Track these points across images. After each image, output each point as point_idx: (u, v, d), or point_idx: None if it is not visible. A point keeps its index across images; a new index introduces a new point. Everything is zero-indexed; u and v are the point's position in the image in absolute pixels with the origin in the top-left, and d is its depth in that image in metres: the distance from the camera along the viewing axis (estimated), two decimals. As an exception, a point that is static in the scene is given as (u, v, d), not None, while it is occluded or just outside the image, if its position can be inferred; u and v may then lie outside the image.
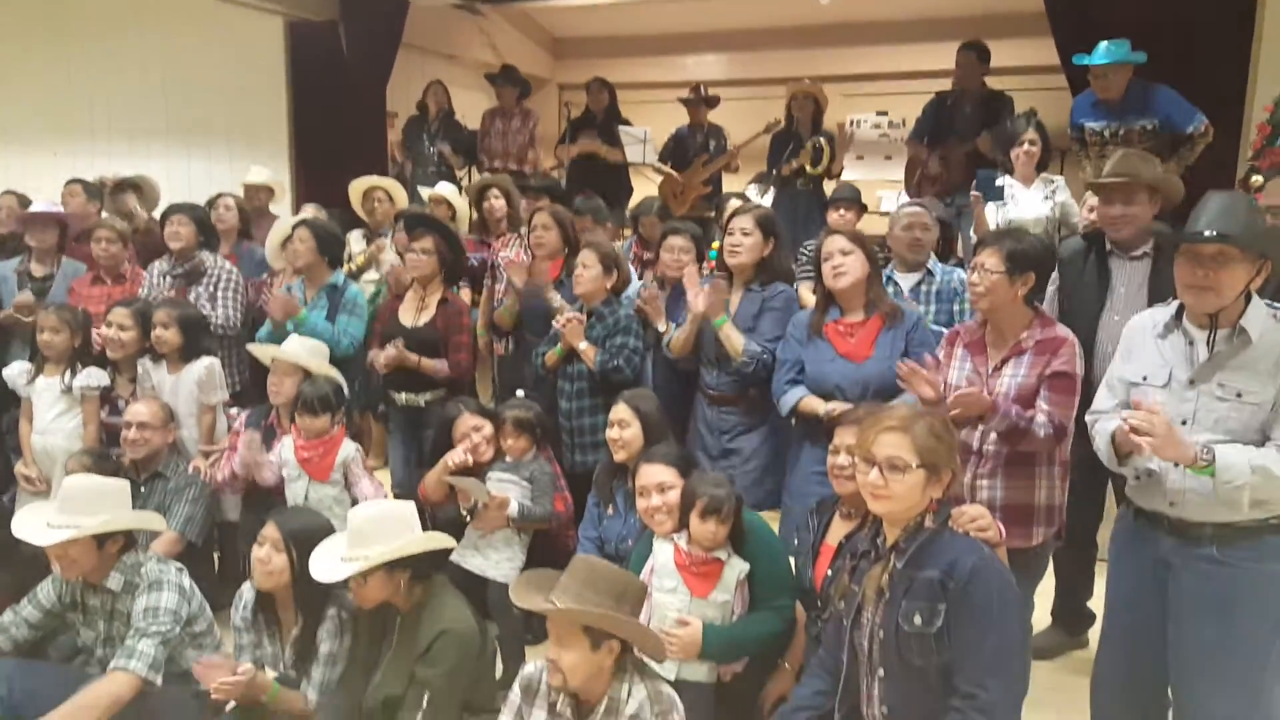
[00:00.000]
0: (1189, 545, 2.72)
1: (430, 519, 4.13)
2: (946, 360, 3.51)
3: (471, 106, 9.10)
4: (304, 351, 4.43)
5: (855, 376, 3.79)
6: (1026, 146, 5.66)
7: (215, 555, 4.67)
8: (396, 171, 8.30)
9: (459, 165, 8.28)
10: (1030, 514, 3.33)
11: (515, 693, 2.86)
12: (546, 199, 5.90)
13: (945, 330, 3.90)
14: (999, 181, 5.65)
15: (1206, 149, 5.37)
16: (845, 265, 3.80)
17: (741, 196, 6.46)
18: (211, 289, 5.16)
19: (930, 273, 4.58)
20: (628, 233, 7.14)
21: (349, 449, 4.21)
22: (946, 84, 7.31)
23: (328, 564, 3.17)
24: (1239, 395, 2.61)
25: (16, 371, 4.51)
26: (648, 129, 8.02)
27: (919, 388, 3.24)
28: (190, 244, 5.19)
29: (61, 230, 5.43)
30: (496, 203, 6.05)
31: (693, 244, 4.71)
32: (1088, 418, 3.03)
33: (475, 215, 6.17)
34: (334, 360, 4.66)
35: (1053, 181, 5.72)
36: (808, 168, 7.36)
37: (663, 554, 3.29)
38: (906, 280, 4.60)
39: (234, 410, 4.68)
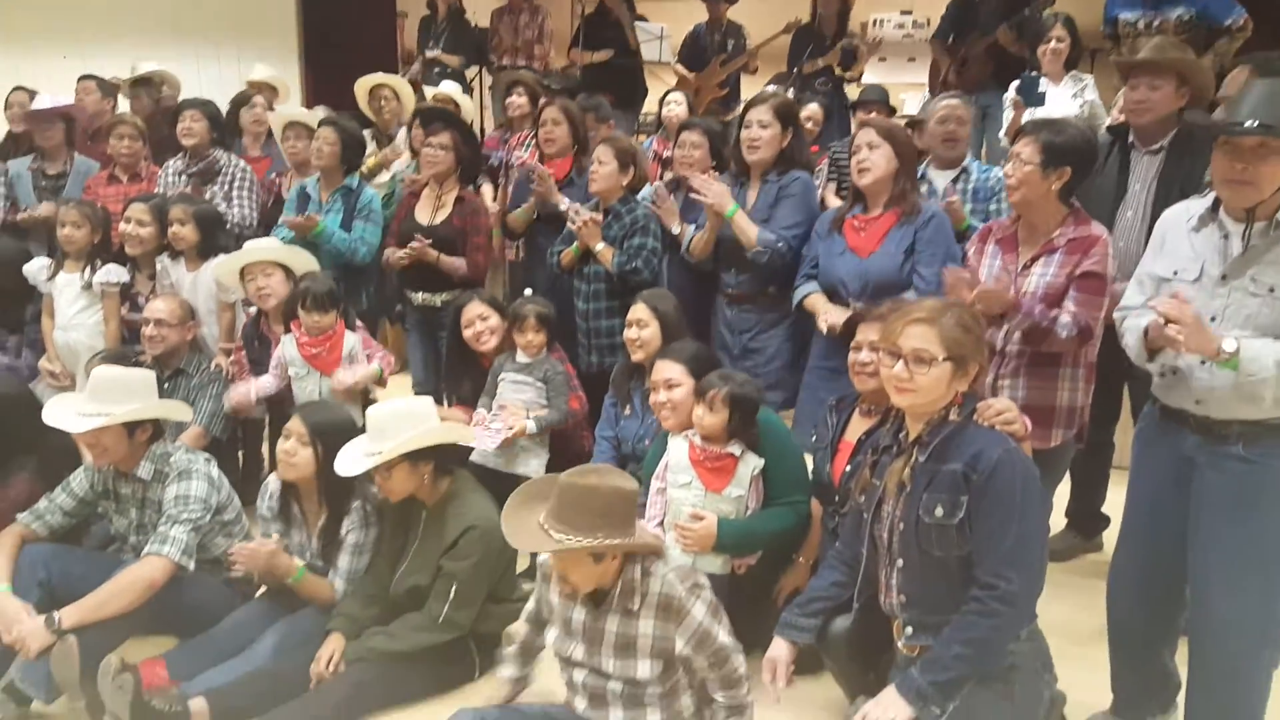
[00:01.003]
0: (1214, 443, 2.70)
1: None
2: (977, 257, 3.47)
3: (486, 4, 8.92)
4: (274, 248, 4.39)
5: (858, 270, 3.77)
6: (1054, 44, 5.56)
7: (239, 453, 4.72)
8: (408, 73, 8.17)
9: (458, 65, 8.14)
10: (1051, 415, 3.33)
11: (538, 579, 2.89)
12: (572, 100, 5.80)
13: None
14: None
15: (1244, 45, 5.25)
16: (870, 161, 3.72)
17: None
18: (226, 187, 5.14)
19: (966, 170, 4.44)
20: (642, 138, 7.06)
21: (352, 339, 4.23)
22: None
23: (351, 459, 3.21)
24: (1271, 290, 2.55)
25: (37, 268, 4.52)
26: (664, 26, 7.87)
27: (960, 293, 3.17)
28: (203, 140, 5.16)
29: (68, 126, 5.37)
30: (518, 99, 5.98)
31: (705, 139, 4.61)
32: (1115, 314, 2.96)
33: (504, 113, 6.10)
34: (352, 268, 4.65)
35: (1082, 80, 5.62)
36: (836, 69, 7.20)
37: (677, 450, 3.32)
38: (941, 178, 4.46)
39: (251, 309, 4.68)
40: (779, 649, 2.78)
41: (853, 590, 2.79)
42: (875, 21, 10.23)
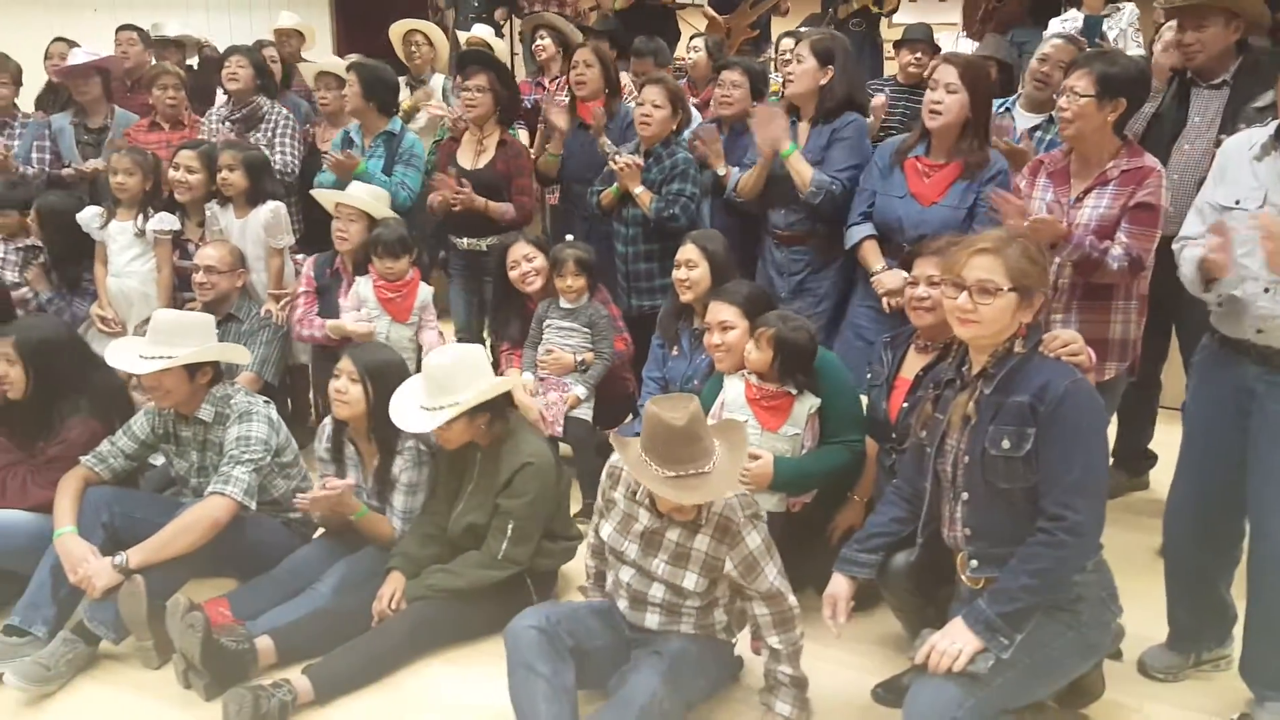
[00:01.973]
0: (1275, 372, 2.69)
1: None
2: (1029, 190, 3.44)
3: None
4: (368, 197, 4.42)
5: (918, 218, 3.71)
6: (1095, -27, 5.44)
7: (288, 400, 4.77)
8: (438, 19, 8.12)
9: (497, 11, 8.09)
10: (1103, 348, 3.30)
11: (602, 482, 2.95)
12: (607, 43, 5.76)
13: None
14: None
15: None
16: (944, 105, 3.61)
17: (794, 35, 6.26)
18: (269, 134, 5.13)
19: (1053, 120, 4.17)
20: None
21: (426, 292, 4.29)
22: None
23: (410, 414, 3.24)
24: None
25: (89, 216, 4.53)
26: (699, -33, 7.77)
27: (1010, 217, 3.15)
28: (248, 86, 5.15)
29: (104, 79, 5.36)
30: (544, 42, 5.93)
31: (746, 78, 4.59)
32: (1175, 244, 2.93)
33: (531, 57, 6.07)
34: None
35: (1120, 10, 5.52)
36: (871, 6, 7.11)
37: (733, 389, 3.32)
38: (1025, 120, 4.32)
39: (299, 256, 4.70)
40: (839, 585, 2.79)
41: (913, 526, 2.80)
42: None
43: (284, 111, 5.25)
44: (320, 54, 7.38)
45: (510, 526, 3.23)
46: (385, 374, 3.38)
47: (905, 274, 3.60)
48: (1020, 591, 2.43)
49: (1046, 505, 2.44)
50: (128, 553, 3.08)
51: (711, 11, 8.03)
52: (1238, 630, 3.01)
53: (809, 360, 3.23)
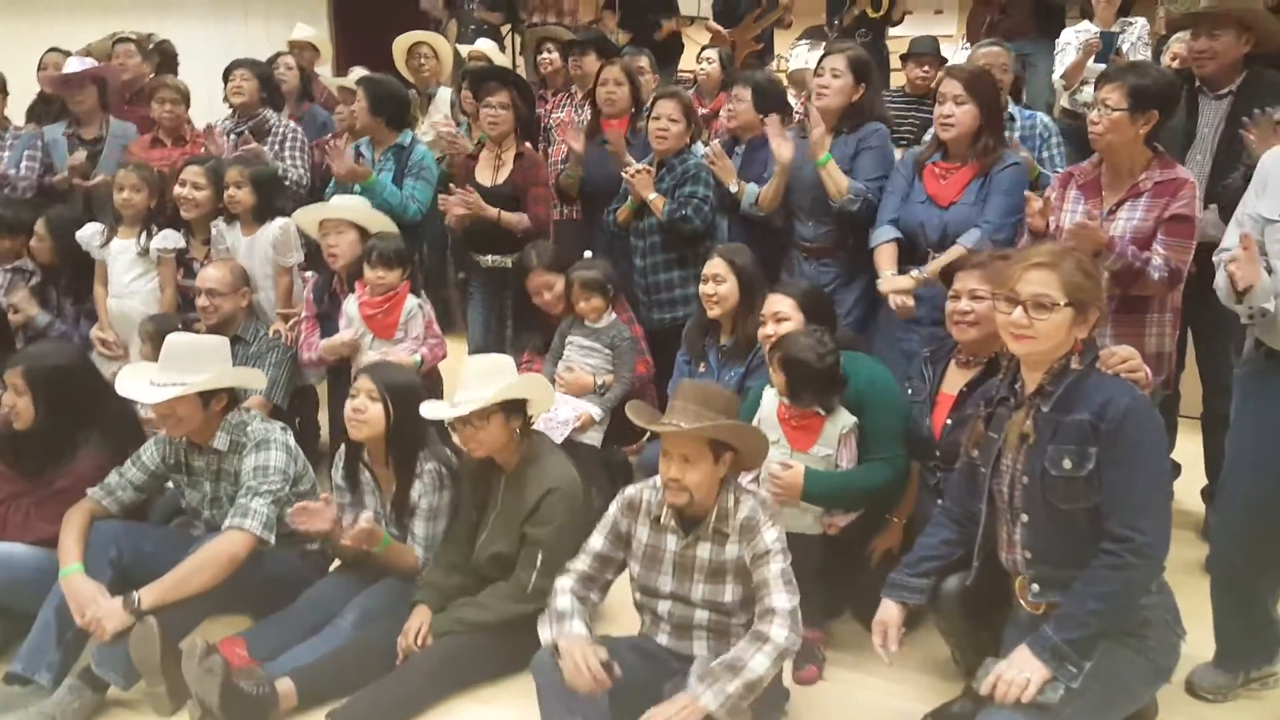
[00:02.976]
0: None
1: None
2: (1059, 202, 3.41)
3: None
4: (356, 206, 4.29)
5: (937, 220, 3.71)
6: (1109, -11, 5.42)
7: (296, 421, 4.62)
8: (440, 32, 8.02)
9: (499, 23, 8.01)
10: (1139, 361, 3.24)
11: (612, 512, 2.86)
12: (594, 53, 5.67)
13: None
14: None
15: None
16: (955, 117, 3.63)
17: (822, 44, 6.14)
18: (277, 147, 5.02)
19: (1011, 117, 4.30)
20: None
21: (412, 303, 4.13)
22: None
23: (438, 407, 3.16)
24: None
25: (89, 233, 4.41)
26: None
27: (1033, 221, 3.16)
28: (253, 100, 5.05)
29: (100, 89, 5.23)
30: (551, 56, 5.85)
31: (749, 92, 4.49)
32: (1215, 256, 2.89)
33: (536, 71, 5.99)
34: (401, 226, 4.54)
35: (1132, 24, 5.49)
36: (868, 11, 7.04)
37: (768, 405, 3.22)
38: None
39: (308, 274, 4.58)
40: (889, 611, 2.68)
41: (964, 548, 2.69)
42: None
43: (291, 124, 5.15)
44: (326, 65, 7.31)
45: (539, 556, 3.10)
46: (405, 394, 3.27)
47: (914, 274, 3.67)
48: (1088, 617, 2.33)
49: (1112, 526, 2.34)
50: (140, 592, 2.92)
51: (715, 26, 7.99)
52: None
53: (825, 381, 3.09)
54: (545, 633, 2.71)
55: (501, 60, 6.56)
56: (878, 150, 4.01)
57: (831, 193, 3.95)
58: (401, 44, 6.24)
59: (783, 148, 4.04)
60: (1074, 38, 5.43)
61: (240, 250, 4.41)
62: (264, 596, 3.24)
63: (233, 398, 3.30)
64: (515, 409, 3.16)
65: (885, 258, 3.79)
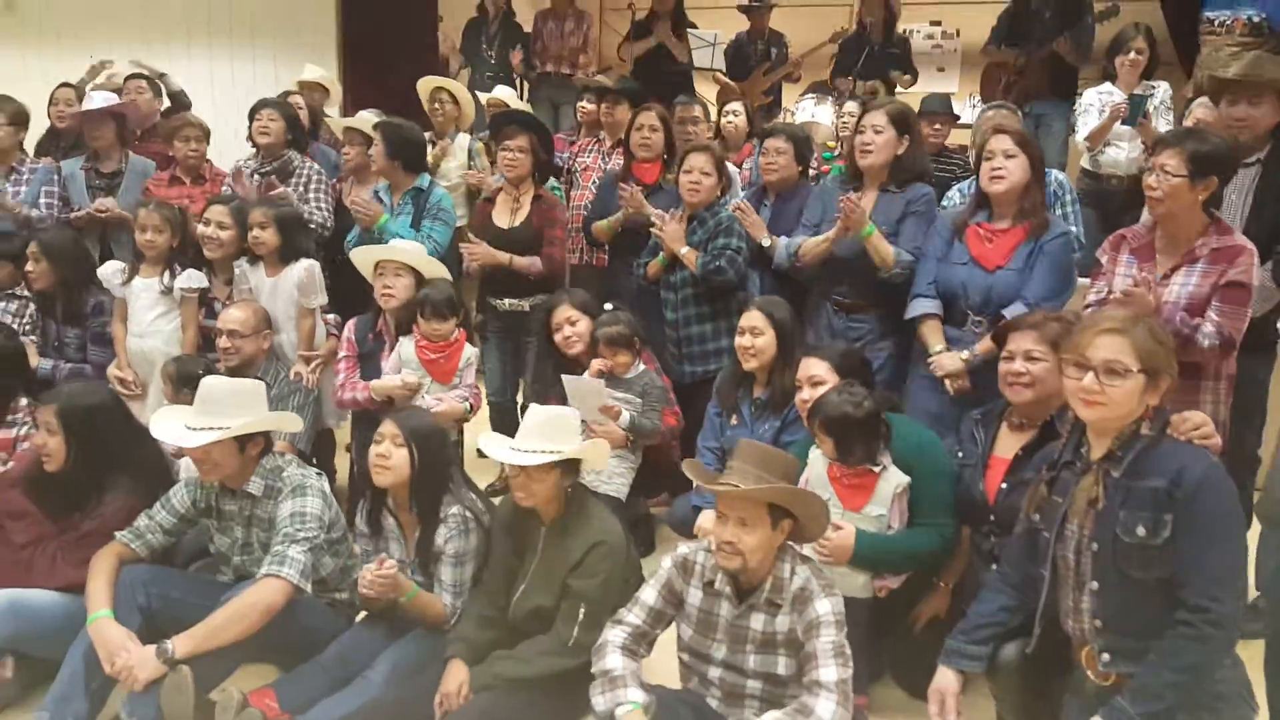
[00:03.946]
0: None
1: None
2: (1110, 265, 3.39)
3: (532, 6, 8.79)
4: (414, 250, 4.26)
5: (982, 283, 3.66)
6: (1133, 55, 5.51)
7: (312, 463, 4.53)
8: (454, 77, 8.03)
9: (523, 70, 8.02)
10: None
11: (666, 568, 2.81)
12: (626, 102, 5.70)
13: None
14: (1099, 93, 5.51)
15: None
16: (1006, 169, 3.60)
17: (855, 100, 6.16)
18: (301, 189, 4.98)
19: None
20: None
21: (470, 352, 4.14)
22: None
23: (502, 450, 3.10)
24: None
25: (111, 271, 4.35)
26: (719, 32, 7.77)
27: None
28: (279, 140, 5.02)
29: (119, 124, 5.21)
30: (591, 107, 5.89)
31: (790, 145, 4.56)
32: None
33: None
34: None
35: (1154, 88, 5.55)
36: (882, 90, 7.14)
37: (817, 465, 3.18)
38: None
39: (330, 316, 4.52)
40: (947, 679, 2.64)
41: (1022, 615, 2.65)
42: (904, 31, 10.17)
43: (315, 166, 5.11)
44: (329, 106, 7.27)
45: (581, 610, 3.02)
46: (430, 440, 3.21)
47: (964, 355, 3.61)
48: (1165, 689, 2.29)
49: (1188, 596, 2.30)
50: (173, 641, 2.83)
51: (724, 79, 8.01)
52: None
53: (869, 431, 3.07)
54: (601, 701, 2.65)
55: (520, 107, 6.54)
56: (924, 217, 3.98)
57: (877, 263, 3.93)
58: (426, 85, 6.23)
59: (857, 214, 3.95)
60: (1097, 99, 5.48)
61: (263, 291, 4.36)
62: (293, 646, 3.14)
63: (268, 442, 3.23)
64: (571, 466, 3.11)
65: (933, 334, 3.73)
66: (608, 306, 4.24)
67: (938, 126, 5.66)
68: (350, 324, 4.33)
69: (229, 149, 5.90)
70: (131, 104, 5.53)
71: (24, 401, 3.67)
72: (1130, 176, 5.38)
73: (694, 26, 7.93)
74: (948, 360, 3.65)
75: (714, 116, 6.44)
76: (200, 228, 4.39)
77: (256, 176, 5.02)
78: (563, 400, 4.16)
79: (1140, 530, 2.34)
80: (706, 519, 3.69)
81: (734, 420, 3.87)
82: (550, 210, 4.66)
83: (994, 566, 2.92)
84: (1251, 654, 2.63)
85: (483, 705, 2.97)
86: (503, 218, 4.68)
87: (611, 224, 4.79)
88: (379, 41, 8.03)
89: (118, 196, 5.07)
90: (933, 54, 10.13)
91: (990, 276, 3.63)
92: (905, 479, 3.10)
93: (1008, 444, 3.13)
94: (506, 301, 4.64)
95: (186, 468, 3.57)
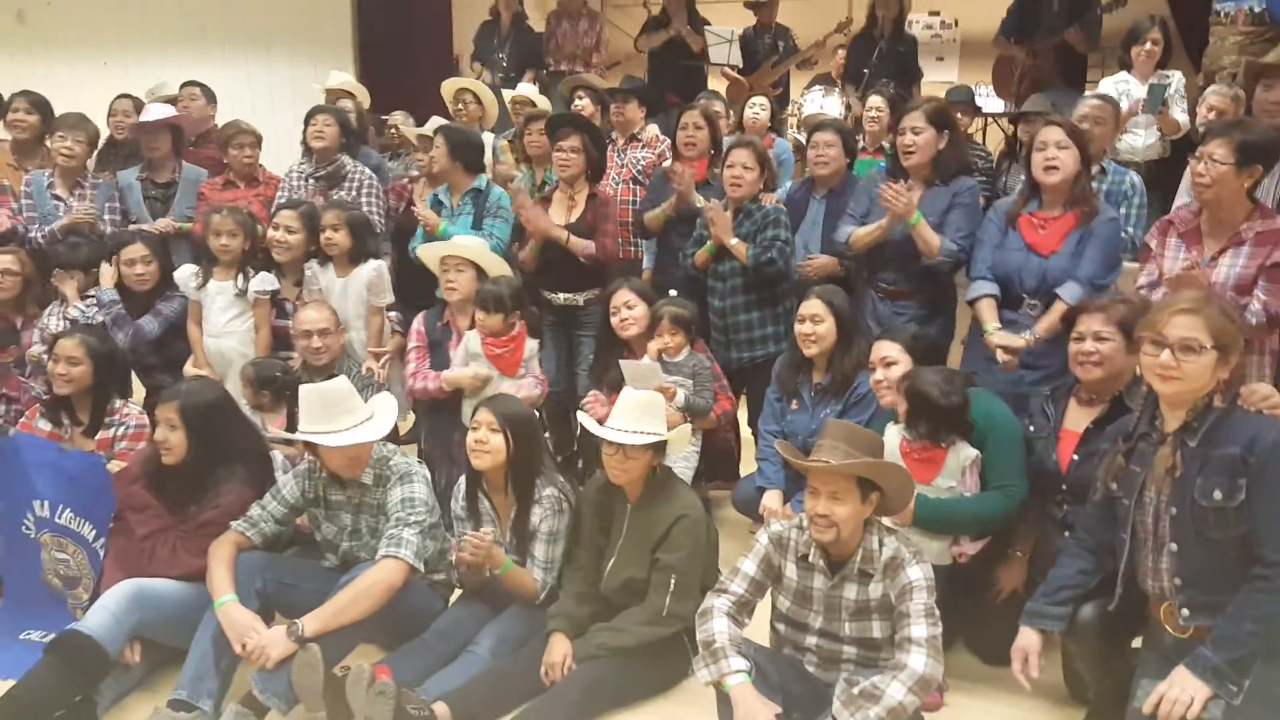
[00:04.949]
0: None
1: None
2: (1159, 249, 3.57)
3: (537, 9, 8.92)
4: (475, 246, 4.41)
5: (1037, 269, 3.81)
6: (1149, 46, 5.67)
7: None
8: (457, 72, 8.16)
9: (526, 74, 8.15)
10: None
11: (763, 543, 2.95)
12: (635, 101, 5.86)
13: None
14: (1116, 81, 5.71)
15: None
16: (1059, 160, 3.74)
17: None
18: (354, 193, 5.12)
19: (1104, 170, 4.47)
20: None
21: (533, 345, 4.31)
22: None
23: (605, 429, 3.30)
24: None
25: (187, 275, 4.50)
26: (735, 29, 7.91)
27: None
28: (333, 145, 5.16)
29: (175, 135, 5.36)
30: (582, 103, 6.01)
31: (839, 138, 4.72)
32: None
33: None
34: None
35: (1168, 77, 5.73)
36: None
37: (890, 441, 3.35)
38: None
39: (393, 314, 4.69)
40: (1029, 638, 2.84)
41: (1099, 577, 2.85)
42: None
43: (366, 170, 5.26)
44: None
45: (672, 581, 3.23)
46: (523, 424, 3.42)
47: (1027, 337, 3.74)
48: (1246, 637, 2.48)
49: (1265, 552, 2.50)
50: (302, 620, 3.01)
51: (733, 73, 8.15)
52: None
53: (946, 414, 3.26)
54: (706, 673, 2.79)
55: (543, 103, 6.69)
56: (969, 208, 4.14)
57: (923, 249, 4.09)
58: (450, 87, 6.39)
59: (903, 201, 4.11)
60: (1113, 88, 5.65)
61: (334, 291, 4.53)
62: (400, 625, 3.33)
63: (379, 436, 3.41)
64: (660, 447, 3.32)
65: (988, 311, 3.89)
66: (672, 292, 4.39)
67: (961, 116, 5.81)
68: (420, 316, 4.50)
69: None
70: (186, 113, 5.67)
71: (118, 403, 3.85)
72: (1148, 162, 5.59)
73: (706, 22, 8.07)
74: (1001, 337, 3.79)
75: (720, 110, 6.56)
76: (270, 232, 4.55)
77: (310, 181, 5.17)
78: (616, 385, 4.32)
79: (1217, 494, 2.53)
80: (771, 499, 3.89)
81: (794, 405, 4.04)
82: (604, 207, 4.81)
83: (1066, 533, 3.12)
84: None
85: (589, 674, 3.17)
86: (559, 215, 4.81)
87: (664, 210, 4.93)
88: (394, 45, 8.16)
89: (173, 205, 5.25)
90: (932, 44, 10.26)
91: (1045, 262, 3.78)
92: (974, 453, 3.29)
93: (1077, 418, 3.31)
94: (561, 296, 4.78)
95: (282, 462, 3.76)
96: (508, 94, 6.86)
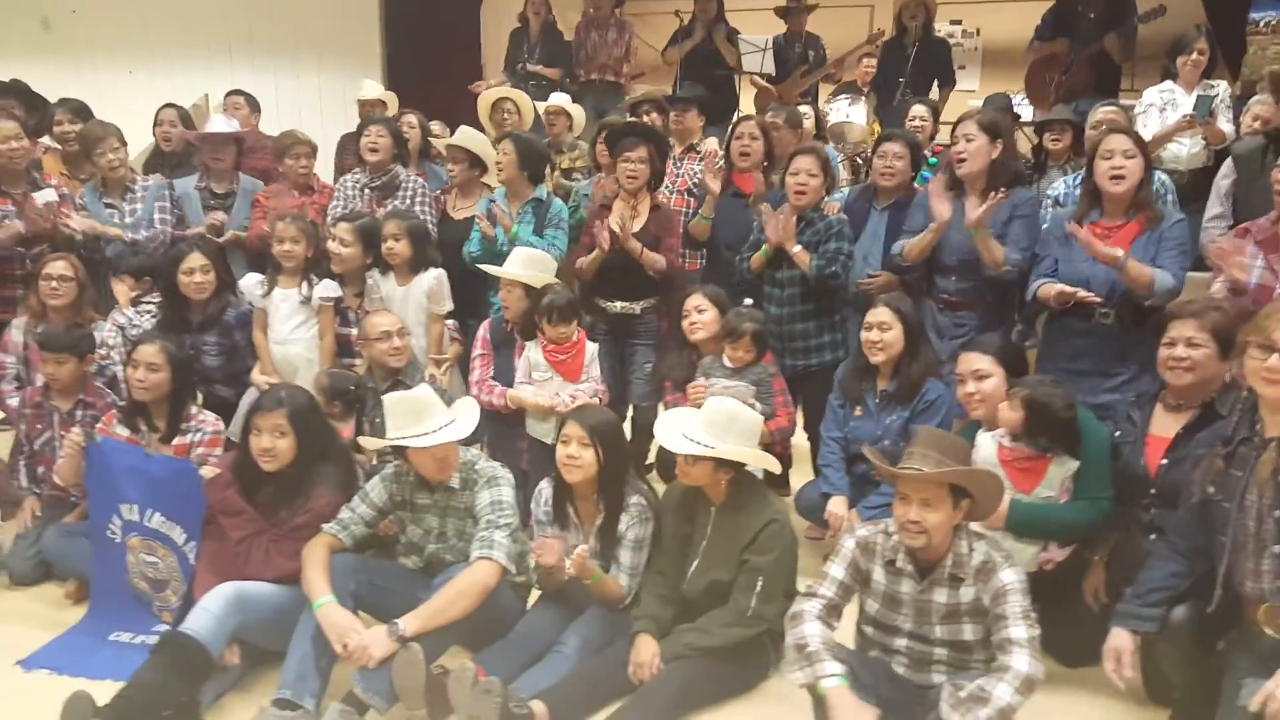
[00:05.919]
0: None
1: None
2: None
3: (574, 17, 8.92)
4: (521, 267, 4.44)
5: (1105, 277, 3.85)
6: (1195, 55, 5.71)
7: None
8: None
9: (558, 79, 8.19)
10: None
11: (850, 547, 2.99)
12: (694, 110, 5.91)
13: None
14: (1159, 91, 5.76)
15: None
16: (1126, 169, 3.79)
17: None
18: (407, 202, 5.17)
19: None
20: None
21: (592, 349, 4.36)
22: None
23: (672, 437, 3.34)
24: None
25: (252, 283, 4.54)
26: (769, 38, 7.97)
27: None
28: (387, 156, 5.21)
29: (238, 148, 5.43)
30: (652, 117, 6.04)
31: (907, 150, 4.76)
32: None
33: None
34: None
35: (1214, 86, 5.77)
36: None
37: (985, 448, 3.41)
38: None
39: (450, 322, 4.74)
40: (1121, 638, 2.88)
41: (1190, 580, 2.89)
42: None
43: (419, 180, 5.31)
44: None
45: (759, 582, 3.26)
46: (611, 435, 3.44)
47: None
48: None
49: (1368, 554, 2.54)
50: (403, 621, 3.05)
51: (762, 81, 8.21)
52: None
53: (1063, 426, 3.30)
54: (800, 676, 2.82)
55: (577, 112, 6.73)
56: (1030, 220, 4.19)
57: (987, 261, 4.12)
58: (486, 99, 6.44)
59: (942, 207, 4.19)
60: (1158, 98, 5.71)
61: (395, 299, 4.58)
62: (489, 625, 3.36)
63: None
64: (729, 464, 3.35)
65: (1049, 288, 3.92)
66: (748, 302, 4.41)
67: None
68: (485, 324, 4.56)
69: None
70: (248, 131, 5.74)
71: (193, 409, 3.89)
72: (1192, 171, 5.63)
73: (737, 32, 8.13)
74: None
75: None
76: (329, 244, 4.60)
77: (366, 191, 5.22)
78: (684, 382, 4.32)
79: (1320, 497, 2.58)
80: (836, 505, 3.92)
81: (857, 411, 4.08)
82: (668, 219, 4.84)
83: (1152, 536, 3.17)
84: None
85: (680, 673, 3.21)
86: (621, 225, 4.86)
87: (706, 214, 4.97)
88: (422, 54, 8.19)
89: (230, 215, 5.31)
90: (954, 52, 10.29)
91: (1114, 270, 3.81)
92: (1076, 464, 3.33)
93: (1164, 424, 3.34)
94: (618, 304, 4.80)
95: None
96: (541, 105, 6.90)
